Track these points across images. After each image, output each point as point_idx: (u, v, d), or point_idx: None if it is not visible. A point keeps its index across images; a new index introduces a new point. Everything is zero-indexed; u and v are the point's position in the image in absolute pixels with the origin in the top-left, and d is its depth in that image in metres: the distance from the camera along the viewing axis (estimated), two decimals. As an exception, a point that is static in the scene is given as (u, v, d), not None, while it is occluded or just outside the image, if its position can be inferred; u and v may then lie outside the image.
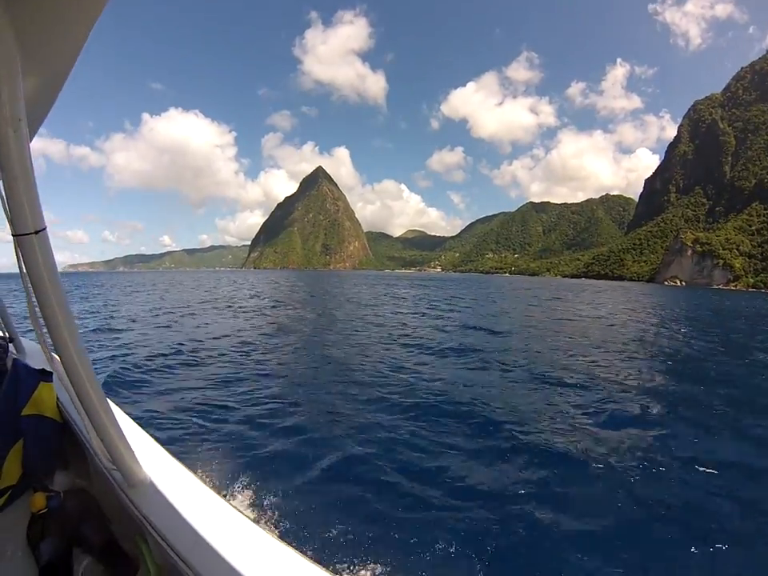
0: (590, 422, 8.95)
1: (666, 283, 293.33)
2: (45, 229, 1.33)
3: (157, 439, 2.22)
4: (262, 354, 15.16)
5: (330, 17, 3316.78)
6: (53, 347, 1.58)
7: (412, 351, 15.94)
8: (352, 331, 20.74)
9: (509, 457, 7.20)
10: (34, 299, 1.48)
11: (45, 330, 1.55)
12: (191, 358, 14.08)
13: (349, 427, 8.27)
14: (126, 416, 2.45)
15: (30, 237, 1.30)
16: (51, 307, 1.43)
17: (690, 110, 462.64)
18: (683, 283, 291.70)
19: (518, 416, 9.13)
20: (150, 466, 1.85)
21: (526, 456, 7.21)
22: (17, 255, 1.46)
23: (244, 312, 29.32)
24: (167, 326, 21.37)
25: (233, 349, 15.73)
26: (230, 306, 33.30)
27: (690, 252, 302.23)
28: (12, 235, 1.35)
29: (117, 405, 2.33)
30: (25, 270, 1.43)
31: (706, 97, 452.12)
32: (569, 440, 7.87)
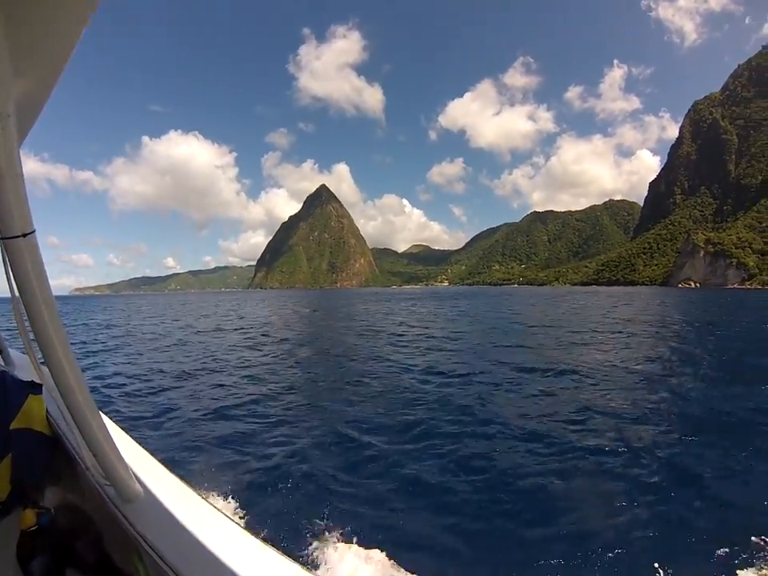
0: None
1: (680, 286, 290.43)
2: (33, 232, 1.27)
3: (152, 453, 2.15)
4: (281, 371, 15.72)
5: (323, 32, 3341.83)
6: (42, 358, 1.51)
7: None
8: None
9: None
10: (22, 308, 1.40)
11: (33, 340, 1.46)
12: (191, 375, 14.81)
13: (348, 442, 8.32)
14: (120, 429, 2.37)
15: (17, 240, 1.24)
16: (40, 315, 1.35)
17: (690, 110, 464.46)
18: (697, 285, 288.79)
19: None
20: (144, 480, 1.78)
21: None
22: (3, 260, 1.39)
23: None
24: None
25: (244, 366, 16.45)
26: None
27: (702, 253, 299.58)
28: None
29: (109, 417, 2.26)
30: (12, 276, 1.36)
31: (706, 96, 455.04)
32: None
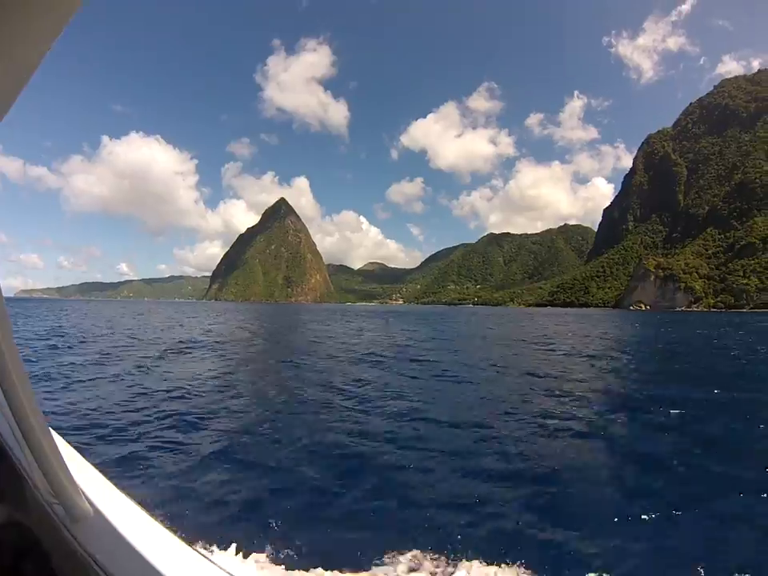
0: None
1: (632, 308, 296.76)
2: None
3: (102, 470, 2.05)
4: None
5: (293, 44, 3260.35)
6: None
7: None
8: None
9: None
10: None
11: None
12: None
13: (300, 457, 8.44)
14: (69, 445, 2.26)
15: None
16: None
17: (643, 143, 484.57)
18: (648, 307, 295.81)
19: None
20: (94, 499, 1.71)
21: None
22: None
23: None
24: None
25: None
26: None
27: (653, 277, 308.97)
28: None
29: (58, 433, 2.15)
30: None
31: (659, 130, 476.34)
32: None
